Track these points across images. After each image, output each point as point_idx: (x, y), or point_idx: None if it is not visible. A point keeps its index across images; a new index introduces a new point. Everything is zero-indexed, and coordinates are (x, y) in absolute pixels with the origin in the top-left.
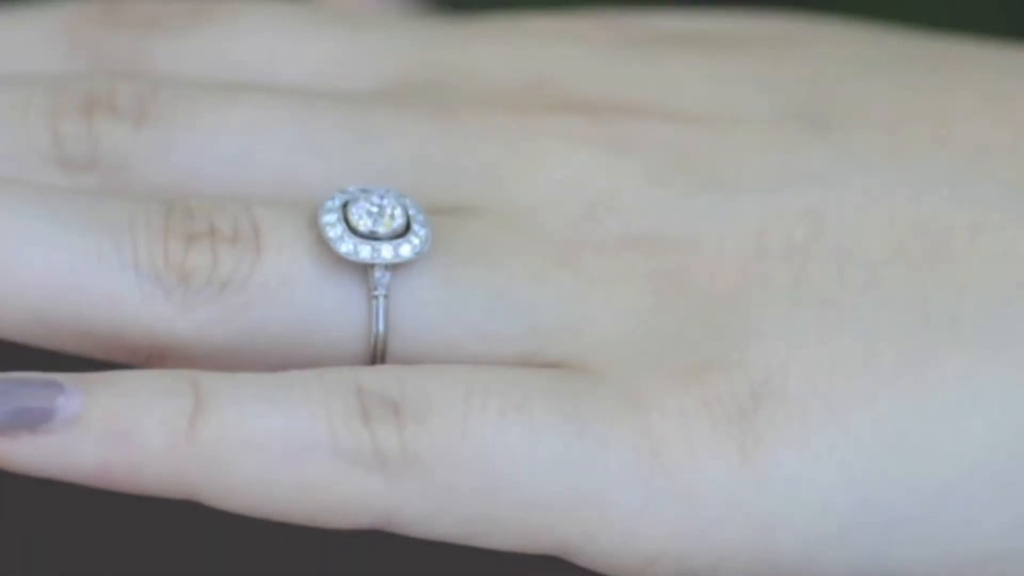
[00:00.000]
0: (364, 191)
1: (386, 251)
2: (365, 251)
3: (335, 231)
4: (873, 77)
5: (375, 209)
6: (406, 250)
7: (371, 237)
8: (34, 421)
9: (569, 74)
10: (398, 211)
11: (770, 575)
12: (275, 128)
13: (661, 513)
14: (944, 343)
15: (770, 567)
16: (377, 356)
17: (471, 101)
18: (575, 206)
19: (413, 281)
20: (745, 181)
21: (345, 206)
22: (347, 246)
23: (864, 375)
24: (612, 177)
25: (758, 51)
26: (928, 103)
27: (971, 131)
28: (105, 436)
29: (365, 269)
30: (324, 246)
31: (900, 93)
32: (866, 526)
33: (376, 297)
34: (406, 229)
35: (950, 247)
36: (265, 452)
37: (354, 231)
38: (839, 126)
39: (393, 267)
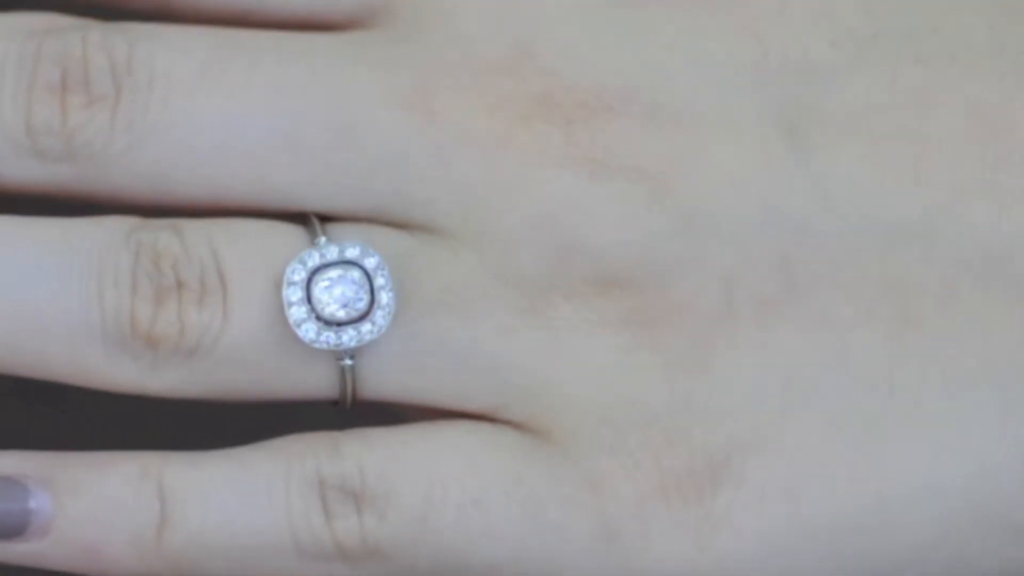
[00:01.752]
0: (328, 248)
1: (348, 336)
2: (328, 338)
3: (297, 313)
4: (860, 71)
5: (338, 291)
6: (368, 331)
7: (333, 322)
8: (7, 534)
9: (553, 47)
10: (362, 288)
11: None
12: (252, 122)
13: None
14: (905, 430)
15: None
16: (347, 404)
17: (449, 84)
18: (548, 243)
19: (380, 341)
20: (720, 224)
21: (312, 278)
22: (309, 333)
23: (824, 461)
24: (585, 214)
25: (751, 27)
26: (910, 119)
27: (950, 165)
28: (75, 551)
29: None
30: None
31: (884, 102)
32: None
33: (344, 364)
34: (370, 304)
35: (920, 315)
36: (231, 557)
37: (317, 314)
38: (819, 147)
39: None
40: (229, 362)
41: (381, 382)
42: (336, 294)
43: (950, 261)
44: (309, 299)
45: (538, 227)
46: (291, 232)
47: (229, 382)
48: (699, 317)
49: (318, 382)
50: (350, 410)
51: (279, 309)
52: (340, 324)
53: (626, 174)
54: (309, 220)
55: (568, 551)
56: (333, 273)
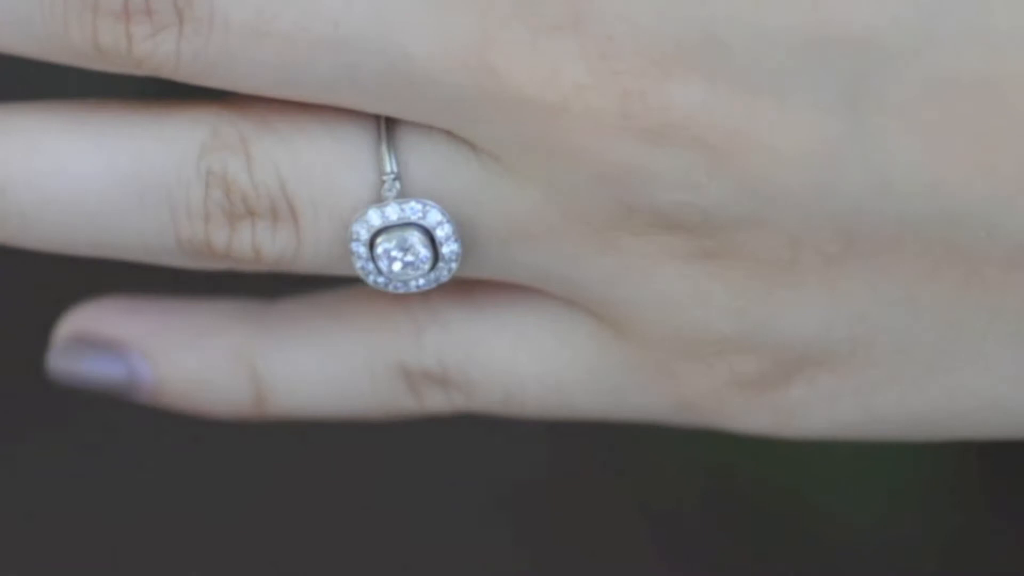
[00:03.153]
0: (389, 208)
1: (415, 284)
2: (396, 286)
3: (364, 269)
4: (924, 53)
5: (400, 256)
6: (434, 279)
7: (400, 278)
8: (116, 394)
9: (611, 10)
10: (426, 252)
11: None
12: (315, 54)
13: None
14: (974, 363)
15: None
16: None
17: (512, 45)
18: (613, 198)
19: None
20: (778, 199)
21: (375, 238)
22: (378, 284)
23: (892, 380)
24: (648, 175)
25: None
26: (972, 109)
27: (1011, 153)
28: (183, 407)
29: None
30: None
31: (946, 89)
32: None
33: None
34: (434, 260)
35: (984, 278)
36: (328, 412)
37: (382, 272)
38: (879, 132)
39: None
40: (307, 270)
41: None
42: (397, 258)
43: (1014, 242)
44: (373, 258)
45: (600, 184)
46: (359, 154)
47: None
48: (764, 261)
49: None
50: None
51: (347, 245)
52: (406, 280)
53: (685, 144)
54: (378, 129)
55: (653, 414)
56: (393, 236)
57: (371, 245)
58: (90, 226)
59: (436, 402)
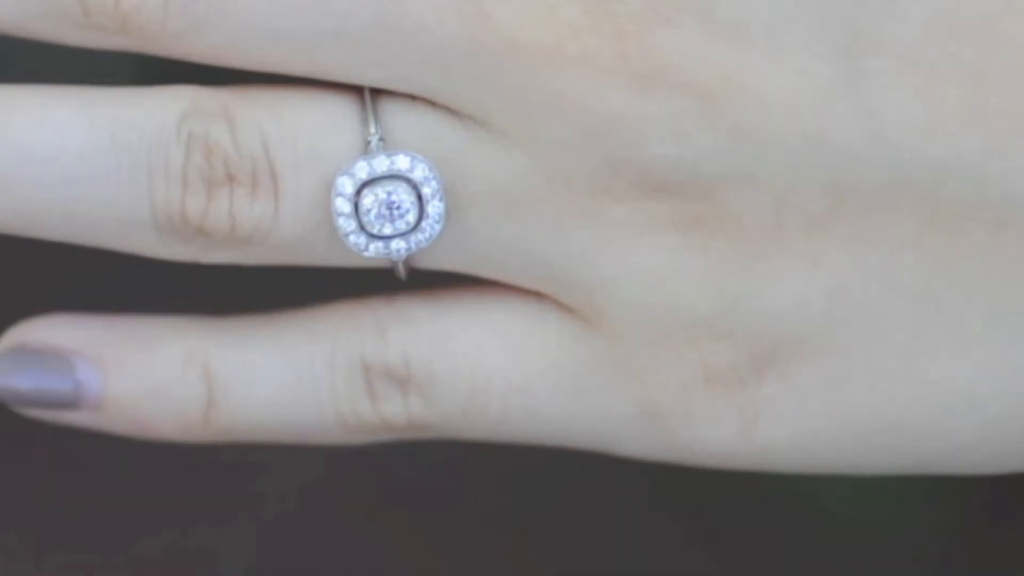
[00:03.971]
0: (378, 159)
1: (397, 245)
2: (375, 248)
3: (346, 225)
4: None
5: (386, 209)
6: (417, 242)
7: (381, 236)
8: (58, 405)
9: None
10: (410, 203)
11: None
12: (307, 8)
13: (662, 456)
14: (949, 345)
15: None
16: (399, 281)
17: None
18: (598, 154)
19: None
20: (770, 145)
21: (360, 191)
22: (359, 244)
23: (865, 367)
24: (637, 126)
25: None
26: (970, 53)
27: (1007, 107)
28: (127, 425)
29: None
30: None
31: (943, 33)
32: (858, 472)
33: (395, 263)
34: (419, 217)
35: (968, 243)
36: (275, 434)
37: (364, 229)
38: (874, 78)
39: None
40: (280, 250)
41: (438, 264)
42: (383, 211)
43: (1002, 199)
44: (357, 211)
45: (588, 138)
46: (344, 121)
47: (282, 260)
48: (748, 227)
49: (370, 263)
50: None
51: (330, 211)
52: (389, 238)
53: (677, 90)
54: (363, 99)
55: (612, 430)
56: (381, 189)
57: (355, 202)
58: (64, 190)
59: (393, 408)
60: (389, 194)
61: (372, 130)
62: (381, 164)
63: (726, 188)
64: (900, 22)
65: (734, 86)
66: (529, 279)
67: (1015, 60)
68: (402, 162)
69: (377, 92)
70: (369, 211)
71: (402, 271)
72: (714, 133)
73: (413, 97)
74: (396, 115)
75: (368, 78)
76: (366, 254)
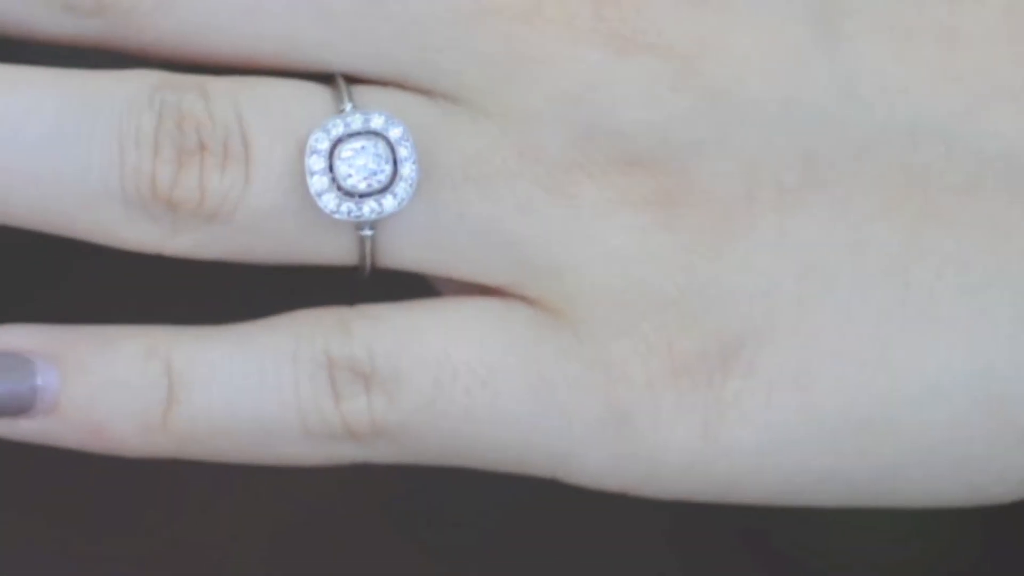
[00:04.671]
0: (354, 116)
1: (368, 208)
2: (347, 208)
3: (319, 183)
4: None
5: (360, 162)
6: (390, 204)
7: (354, 193)
8: (13, 411)
9: None
10: (385, 158)
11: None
12: None
13: (624, 472)
14: (919, 326)
15: (729, 501)
16: (365, 272)
17: None
18: (572, 122)
19: (401, 212)
20: (745, 110)
21: (335, 147)
22: (330, 203)
23: (836, 354)
24: (611, 93)
25: None
26: (944, 14)
27: (980, 65)
28: (81, 428)
29: None
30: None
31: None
32: (824, 492)
33: (363, 236)
34: (392, 176)
35: (939, 211)
36: (237, 437)
37: (338, 184)
38: (849, 36)
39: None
40: (248, 227)
41: (400, 253)
42: (358, 165)
43: (973, 161)
44: (331, 168)
45: (562, 104)
46: (318, 95)
47: (247, 246)
48: (719, 202)
49: (337, 250)
50: (368, 278)
51: (302, 176)
52: (361, 196)
53: (654, 52)
54: (336, 82)
55: (576, 434)
56: (356, 144)
57: (329, 163)
58: (34, 154)
59: (357, 407)
60: (364, 148)
61: (346, 105)
62: (356, 121)
63: (699, 158)
64: None
65: (710, 48)
66: (496, 265)
67: (989, 19)
68: (377, 121)
69: (349, 80)
70: (343, 161)
71: (368, 261)
72: (689, 96)
73: (384, 84)
74: (367, 94)
75: (342, 54)
76: (337, 215)
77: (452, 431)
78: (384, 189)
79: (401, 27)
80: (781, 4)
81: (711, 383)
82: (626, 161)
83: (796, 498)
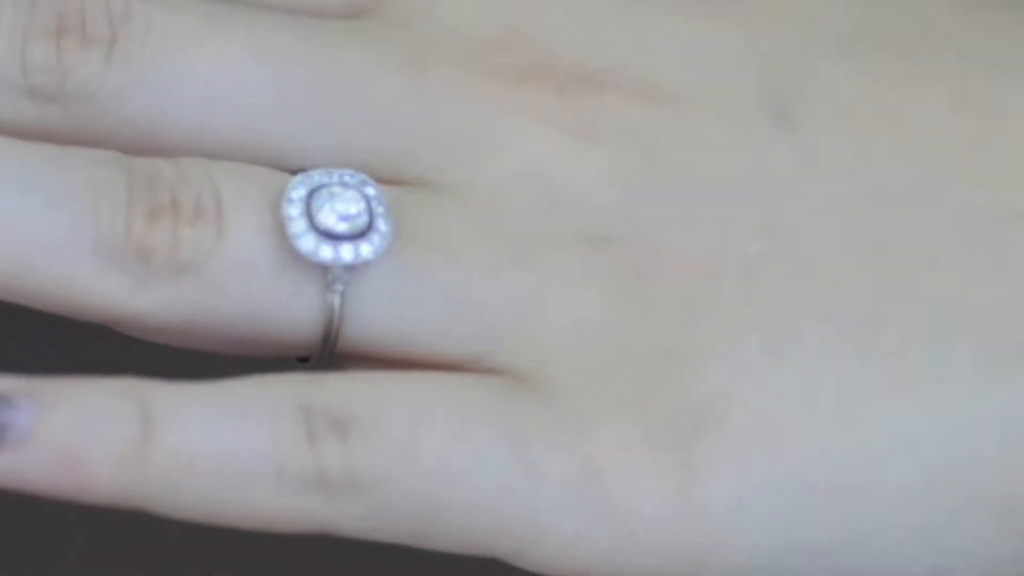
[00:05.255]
0: (328, 174)
1: (346, 252)
2: (326, 252)
3: (297, 226)
4: (846, 60)
5: (339, 207)
6: (367, 250)
7: (332, 236)
8: None
9: (542, 29)
10: (362, 206)
11: None
12: (246, 73)
13: (595, 540)
14: (885, 383)
15: None
16: (329, 345)
17: (442, 55)
18: (537, 197)
19: (371, 271)
20: (707, 186)
21: (311, 196)
22: (308, 244)
23: (804, 410)
24: (576, 169)
25: (737, 16)
26: (897, 99)
27: (937, 142)
28: (55, 461)
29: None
30: (285, 235)
31: (870, 87)
32: (792, 561)
33: (334, 292)
34: (368, 225)
35: (902, 277)
36: (211, 478)
37: (316, 227)
38: (806, 124)
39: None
40: (218, 283)
41: (368, 318)
42: (337, 208)
43: (934, 229)
44: (308, 214)
45: (527, 181)
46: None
47: (215, 307)
48: (684, 274)
49: (305, 315)
50: (328, 357)
51: (273, 231)
52: (339, 239)
53: (616, 136)
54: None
55: (549, 495)
56: (333, 190)
57: (307, 203)
58: (3, 200)
59: (332, 452)
60: (341, 194)
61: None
62: (332, 176)
63: (663, 233)
64: (826, 83)
65: (670, 132)
66: (463, 334)
67: (938, 106)
68: (352, 179)
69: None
70: (321, 203)
71: (335, 326)
72: (652, 174)
73: None
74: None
75: (302, 146)
76: (315, 257)
77: (426, 482)
78: (361, 235)
79: (365, 115)
80: (739, 99)
81: (683, 443)
82: (591, 236)
83: (774, 573)
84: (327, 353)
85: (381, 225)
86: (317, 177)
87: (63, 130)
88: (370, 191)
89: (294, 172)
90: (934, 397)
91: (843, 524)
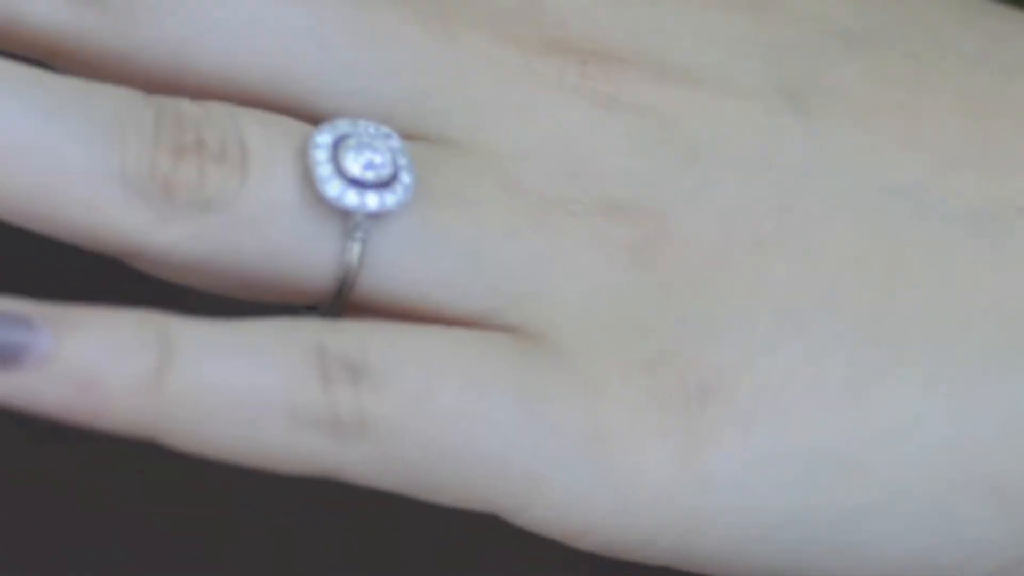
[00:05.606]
0: (353, 124)
1: (371, 200)
2: (352, 198)
3: (324, 171)
4: (854, 57)
5: (365, 155)
6: (391, 200)
7: (358, 183)
8: (2, 361)
9: (563, 5)
10: (388, 157)
11: (689, 563)
12: (283, 7)
13: (597, 498)
14: (889, 366)
15: (690, 557)
16: (344, 293)
17: (471, 18)
18: (559, 163)
19: (392, 223)
20: (724, 164)
21: (337, 144)
22: (334, 190)
23: (810, 389)
24: (599, 139)
25: (748, 7)
26: (903, 96)
27: (943, 136)
28: (71, 384)
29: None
30: (310, 180)
31: (877, 82)
32: (789, 534)
33: (354, 239)
34: (393, 176)
35: (908, 265)
36: (224, 412)
37: (342, 173)
38: (818, 111)
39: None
40: (241, 223)
41: (385, 270)
42: (363, 157)
43: (939, 221)
44: (335, 160)
45: (549, 147)
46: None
47: (235, 246)
48: (698, 248)
49: (323, 261)
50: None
51: (298, 175)
52: (364, 187)
53: (637, 111)
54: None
55: (556, 451)
56: (360, 140)
57: (334, 149)
58: (38, 125)
59: (344, 395)
60: (367, 144)
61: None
62: (357, 125)
63: (679, 208)
64: (836, 73)
65: (690, 110)
66: (478, 290)
67: (945, 101)
68: (376, 130)
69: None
70: (348, 151)
71: (353, 274)
72: (672, 149)
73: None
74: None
75: (334, 86)
76: (341, 202)
77: (437, 431)
78: (386, 184)
79: (394, 65)
80: (754, 82)
81: (690, 410)
82: (609, 204)
83: (756, 549)
84: (339, 302)
85: (405, 177)
86: (342, 126)
87: (95, 37)
88: (394, 143)
89: (318, 124)
90: (935, 381)
91: (842, 502)
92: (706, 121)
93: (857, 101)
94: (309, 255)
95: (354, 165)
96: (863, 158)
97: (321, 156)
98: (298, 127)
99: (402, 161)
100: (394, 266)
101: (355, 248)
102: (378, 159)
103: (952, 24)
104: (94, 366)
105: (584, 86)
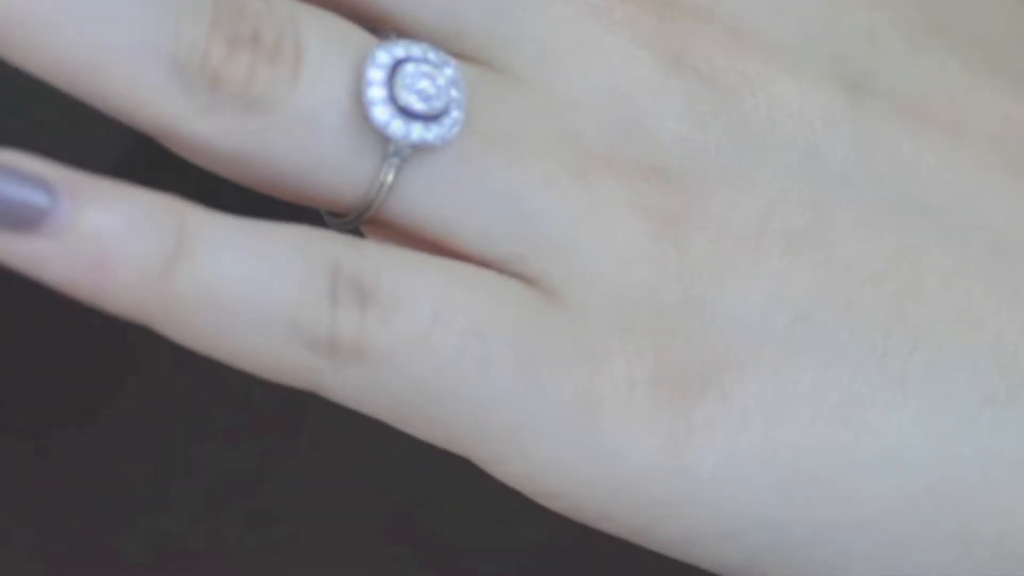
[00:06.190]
0: (413, 46)
1: (416, 131)
2: (398, 127)
3: (375, 93)
4: (914, 56)
5: (420, 84)
6: (436, 133)
7: (407, 112)
8: (17, 224)
9: None
10: (442, 87)
11: (648, 543)
12: None
13: (575, 467)
14: (887, 392)
15: (652, 539)
16: (369, 213)
17: None
18: (610, 114)
19: (431, 154)
20: (772, 151)
21: (395, 66)
22: (382, 115)
23: (807, 401)
24: (656, 98)
25: None
26: (952, 112)
27: (980, 162)
28: (83, 258)
29: None
30: (359, 99)
31: (932, 88)
32: (753, 539)
33: (390, 165)
34: (443, 110)
35: (923, 289)
36: (225, 313)
37: (393, 99)
38: (871, 114)
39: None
40: (281, 128)
41: (414, 199)
42: (419, 86)
43: (960, 247)
44: (390, 84)
45: (607, 98)
46: (370, 35)
47: (271, 149)
48: (729, 232)
49: (356, 179)
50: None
51: (347, 89)
52: (412, 117)
53: (700, 76)
54: (387, 34)
55: (542, 413)
56: (418, 68)
57: (390, 72)
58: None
59: (349, 318)
60: (424, 73)
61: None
62: (418, 49)
63: (720, 185)
64: (894, 71)
65: (750, 86)
66: (504, 233)
67: (988, 126)
68: (435, 55)
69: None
70: (405, 77)
71: (382, 197)
72: (726, 124)
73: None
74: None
75: (397, 7)
76: (387, 129)
77: (435, 372)
78: (434, 118)
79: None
80: (819, 67)
81: (685, 400)
82: (651, 168)
83: (718, 546)
84: (363, 220)
85: (454, 112)
86: (402, 48)
87: None
88: (450, 72)
89: (380, 38)
90: (928, 418)
91: (812, 517)
92: (765, 100)
93: (908, 105)
94: (342, 171)
95: (407, 93)
96: (901, 172)
97: (376, 76)
98: (359, 37)
99: (455, 94)
100: (425, 196)
101: (389, 174)
102: (432, 90)
103: (1016, 22)
104: (108, 243)
105: (656, 41)
